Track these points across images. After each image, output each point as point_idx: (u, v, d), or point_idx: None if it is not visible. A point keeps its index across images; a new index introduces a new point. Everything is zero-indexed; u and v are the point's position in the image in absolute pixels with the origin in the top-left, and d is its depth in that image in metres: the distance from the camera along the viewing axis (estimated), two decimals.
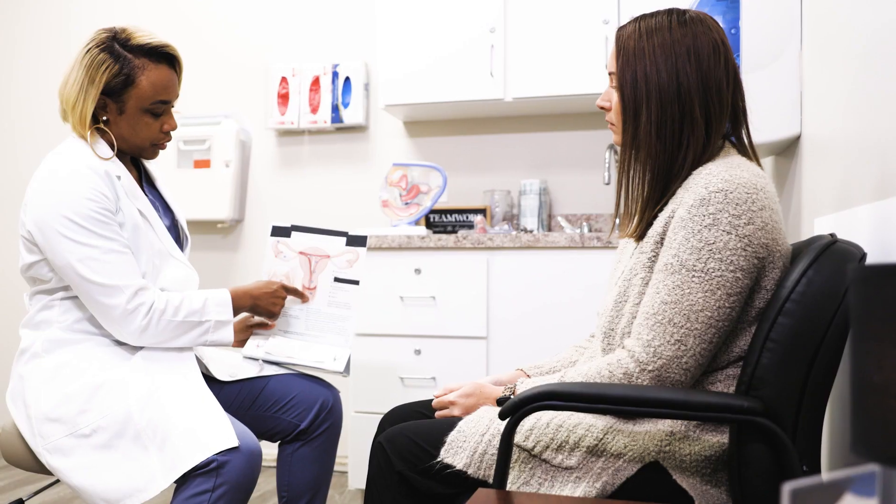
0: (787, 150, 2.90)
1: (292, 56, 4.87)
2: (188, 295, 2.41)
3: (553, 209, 4.42)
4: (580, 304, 3.57)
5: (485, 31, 4.05)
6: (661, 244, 1.87)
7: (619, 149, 2.03)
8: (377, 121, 4.72)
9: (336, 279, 2.73)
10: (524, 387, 2.00)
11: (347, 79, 4.66)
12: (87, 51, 2.35)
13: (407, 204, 4.05)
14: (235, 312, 2.51)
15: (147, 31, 2.40)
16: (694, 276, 1.76)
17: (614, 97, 2.00)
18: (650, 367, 1.78)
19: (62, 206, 2.25)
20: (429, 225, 4.38)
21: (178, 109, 2.52)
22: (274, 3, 4.91)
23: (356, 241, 2.74)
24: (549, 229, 4.37)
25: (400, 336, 3.81)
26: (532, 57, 4.00)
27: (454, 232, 4.32)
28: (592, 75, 3.90)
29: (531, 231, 4.20)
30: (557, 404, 1.72)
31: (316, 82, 4.71)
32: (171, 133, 2.49)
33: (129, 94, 2.35)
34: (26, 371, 2.33)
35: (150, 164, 2.65)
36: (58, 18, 5.16)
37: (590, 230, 4.24)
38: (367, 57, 4.69)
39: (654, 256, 1.88)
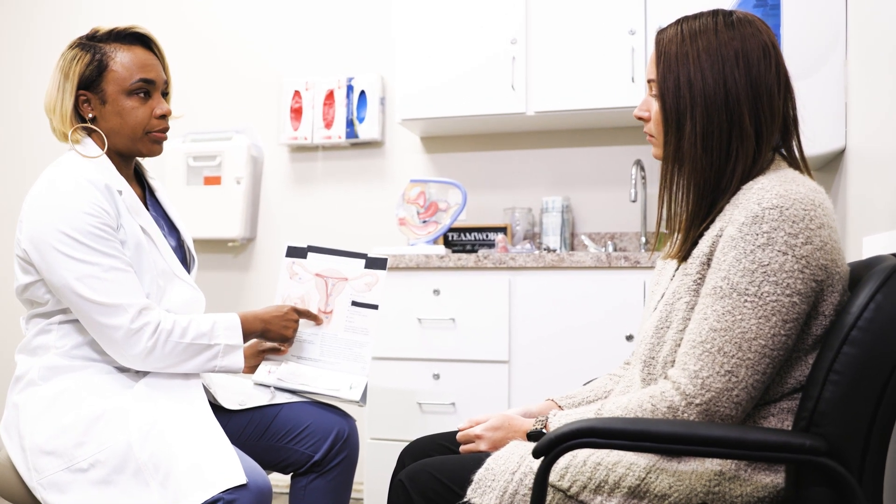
0: (830, 164, 2.75)
1: (306, 69, 4.74)
2: (196, 317, 2.27)
3: (576, 227, 4.28)
4: (607, 327, 3.43)
5: (506, 43, 3.92)
6: (708, 265, 1.72)
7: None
8: (393, 136, 4.60)
9: (354, 303, 2.60)
10: (557, 420, 1.85)
11: (363, 92, 4.54)
12: (61, 55, 2.30)
13: (425, 222, 3.91)
14: (245, 338, 2.37)
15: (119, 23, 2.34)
16: (746, 300, 1.62)
17: (654, 106, 1.86)
18: (698, 401, 1.63)
19: (59, 221, 2.12)
20: (447, 244, 4.23)
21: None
22: (287, 15, 4.79)
23: (376, 263, 2.61)
24: (572, 248, 4.23)
25: (418, 360, 3.67)
26: (555, 69, 3.87)
27: (474, 251, 4.18)
28: (618, 88, 3.77)
29: (554, 250, 4.05)
30: (598, 442, 1.56)
31: (330, 96, 4.59)
32: (168, 121, 2.36)
33: (106, 80, 2.26)
34: (21, 400, 2.20)
35: (156, 181, 2.51)
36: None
37: (615, 249, 4.09)
38: (382, 70, 4.57)
39: (699, 279, 1.74)
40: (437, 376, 3.63)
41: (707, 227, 1.77)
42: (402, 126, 4.32)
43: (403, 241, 4.28)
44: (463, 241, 4.24)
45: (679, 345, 1.73)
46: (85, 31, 2.33)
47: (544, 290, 3.54)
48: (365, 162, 4.65)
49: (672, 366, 1.74)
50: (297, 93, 4.65)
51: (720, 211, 1.76)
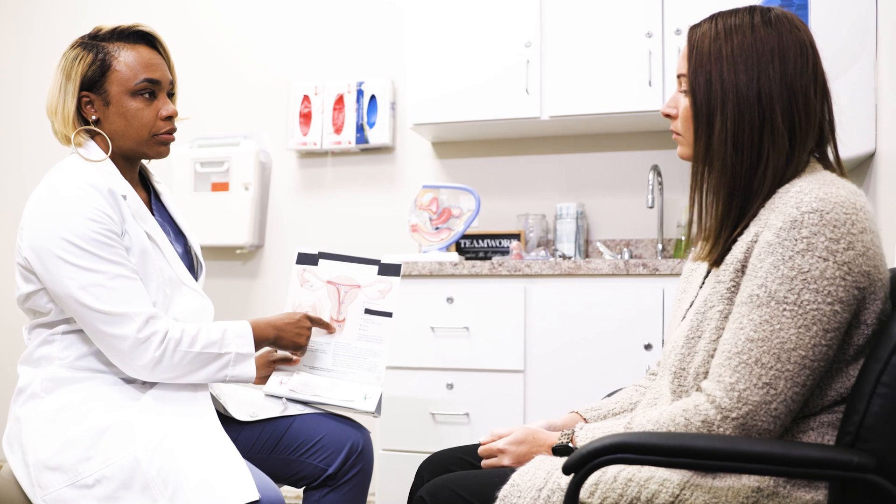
0: (859, 168, 2.68)
1: (315, 73, 4.67)
2: (205, 325, 2.19)
3: (590, 234, 4.21)
4: (625, 336, 3.35)
5: (520, 46, 3.84)
6: (742, 272, 1.65)
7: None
8: (404, 141, 4.52)
9: (367, 311, 2.52)
10: (584, 434, 1.78)
11: (373, 97, 4.47)
12: (63, 55, 2.23)
13: (437, 228, 3.84)
14: (257, 345, 2.29)
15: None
16: (785, 309, 1.54)
17: (682, 103, 1.80)
18: (734, 415, 1.56)
19: (61, 227, 2.04)
20: (459, 251, 4.17)
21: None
22: (296, 18, 4.72)
23: (389, 269, 2.53)
24: (587, 255, 4.15)
25: (431, 369, 3.59)
26: (570, 73, 3.80)
27: (487, 258, 4.11)
28: (634, 92, 3.70)
29: (570, 257, 3.97)
30: (632, 458, 1.49)
31: (340, 101, 4.52)
32: (175, 122, 2.28)
33: (110, 80, 2.18)
34: (24, 413, 2.12)
35: (162, 185, 2.44)
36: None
37: (631, 256, 4.01)
38: (393, 74, 4.50)
39: (733, 286, 1.66)
40: (450, 386, 3.55)
41: (741, 233, 1.69)
42: (414, 131, 4.24)
43: (415, 248, 4.24)
44: (475, 249, 4.17)
45: (712, 355, 1.67)
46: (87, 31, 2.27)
47: (560, 298, 3.46)
48: (375, 168, 4.58)
49: (704, 377, 1.67)
50: (306, 97, 4.58)
51: (754, 215, 1.69)
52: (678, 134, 1.84)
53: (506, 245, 4.12)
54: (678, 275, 3.28)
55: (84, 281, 2.02)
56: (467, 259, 4.03)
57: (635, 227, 4.16)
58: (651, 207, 3.80)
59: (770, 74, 1.67)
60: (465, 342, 3.54)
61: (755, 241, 1.63)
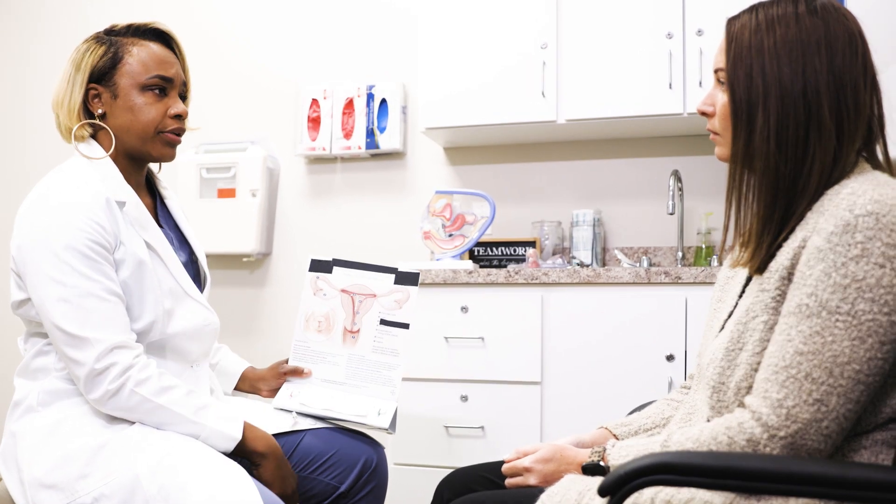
0: None
1: (324, 77, 4.58)
2: (186, 387, 2.01)
3: (607, 242, 4.10)
4: (646, 347, 3.24)
5: (536, 48, 3.75)
6: (789, 280, 1.53)
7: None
8: (415, 147, 4.43)
9: (382, 321, 2.41)
10: (617, 452, 1.66)
11: (384, 101, 4.36)
12: (74, 49, 2.14)
13: (451, 235, 3.73)
14: (247, 445, 2.06)
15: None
16: (838, 320, 1.42)
17: (720, 99, 1.69)
18: (782, 433, 1.44)
19: (46, 235, 1.93)
20: (472, 259, 4.06)
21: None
22: (304, 21, 4.63)
23: (407, 278, 2.42)
24: (604, 263, 4.05)
25: (445, 381, 3.48)
26: (588, 75, 3.70)
27: (501, 266, 4.00)
28: (655, 95, 3.59)
29: (588, 265, 3.86)
30: (673, 479, 1.36)
31: (349, 105, 4.42)
32: (184, 122, 2.17)
33: (120, 72, 2.09)
34: (19, 428, 2.00)
35: (168, 191, 2.33)
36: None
37: (650, 264, 3.90)
38: (404, 77, 4.41)
39: (779, 295, 1.54)
40: (464, 398, 3.45)
41: (786, 238, 1.58)
42: (425, 135, 4.15)
43: (426, 256, 4.13)
44: (490, 256, 4.06)
45: (755, 369, 1.55)
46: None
47: (579, 307, 3.35)
48: (386, 174, 4.48)
49: (747, 392, 1.55)
50: (314, 101, 4.49)
51: (800, 218, 1.57)
52: (715, 133, 1.73)
53: (520, 253, 4.01)
54: (702, 283, 3.18)
55: (56, 294, 1.90)
56: (482, 267, 3.92)
57: (653, 234, 4.06)
58: (672, 214, 3.69)
59: (816, 67, 1.56)
60: (480, 353, 3.44)
61: (803, 247, 1.52)
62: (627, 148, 4.09)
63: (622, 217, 4.11)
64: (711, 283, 3.16)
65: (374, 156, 4.48)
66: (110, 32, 2.14)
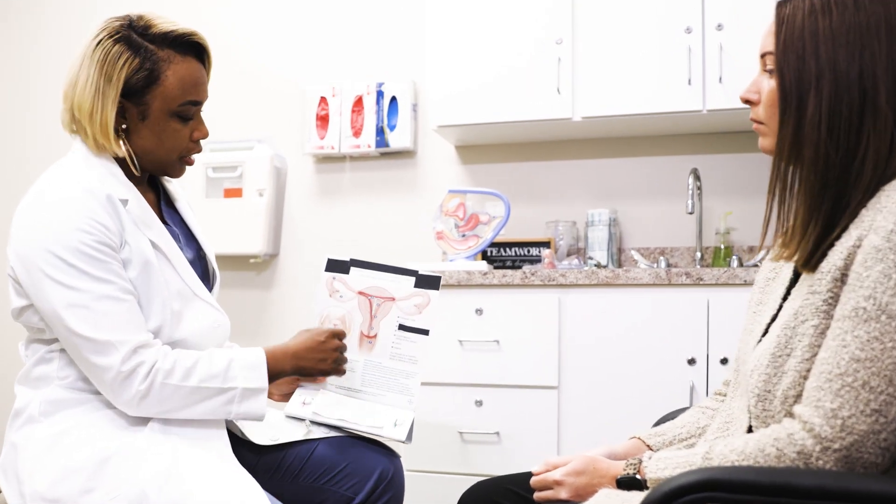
0: None
1: (332, 74, 4.48)
2: (209, 354, 1.97)
3: (623, 242, 4.00)
4: (667, 350, 3.15)
5: (550, 43, 3.65)
6: (842, 282, 1.43)
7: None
8: (426, 145, 4.34)
9: (401, 327, 2.31)
10: (655, 465, 1.56)
11: (394, 99, 4.28)
12: (99, 42, 1.94)
13: (464, 235, 3.64)
14: (272, 378, 2.06)
15: (168, 18, 2.00)
16: None
17: (765, 86, 1.59)
18: (836, 445, 1.34)
19: (47, 238, 1.84)
20: (486, 260, 3.96)
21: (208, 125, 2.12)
22: (312, 17, 4.54)
23: (427, 282, 2.32)
24: (620, 264, 3.95)
25: (459, 385, 3.39)
26: (604, 71, 3.60)
27: (515, 267, 3.90)
28: (674, 91, 3.50)
29: (605, 266, 3.77)
30: (723, 497, 1.27)
31: (359, 103, 4.33)
32: (202, 143, 2.09)
33: (154, 94, 1.95)
34: (20, 439, 1.91)
35: (172, 184, 2.24)
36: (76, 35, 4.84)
37: (668, 265, 3.81)
38: (415, 74, 4.32)
39: (831, 298, 1.44)
40: (479, 403, 3.36)
41: (838, 236, 1.48)
42: (437, 133, 4.06)
43: (438, 257, 4.04)
44: (503, 257, 3.97)
45: (804, 376, 1.45)
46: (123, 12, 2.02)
47: (597, 309, 3.26)
48: (396, 173, 4.40)
49: (795, 401, 1.45)
50: (323, 99, 4.40)
51: (854, 215, 1.47)
52: (759, 122, 1.63)
53: (535, 253, 3.92)
54: (724, 284, 3.09)
55: (67, 300, 1.82)
56: (496, 268, 3.82)
57: (671, 234, 3.96)
58: (692, 213, 3.60)
59: (875, 51, 1.46)
60: (496, 356, 3.35)
61: (858, 246, 1.42)
62: (644, 146, 4.01)
63: (638, 217, 4.02)
64: (734, 285, 3.07)
65: (383, 154, 4.40)
66: (145, 34, 1.96)
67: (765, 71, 1.59)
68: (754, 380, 1.54)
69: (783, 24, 1.53)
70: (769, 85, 1.58)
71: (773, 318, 1.61)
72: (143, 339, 1.87)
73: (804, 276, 1.55)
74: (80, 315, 1.81)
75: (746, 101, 1.64)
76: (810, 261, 1.51)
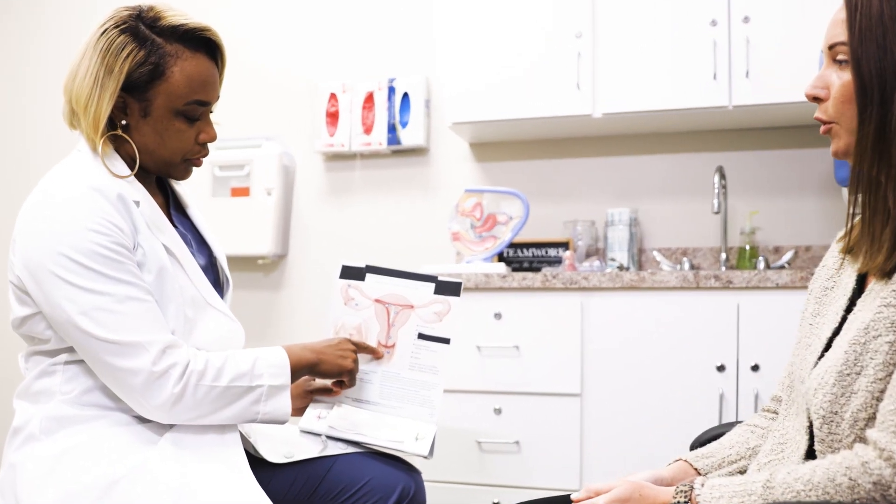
0: None
1: (343, 70, 4.38)
2: (232, 354, 1.87)
3: (644, 242, 3.88)
4: (694, 356, 3.03)
5: (570, 37, 3.53)
6: None
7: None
8: (439, 142, 4.22)
9: (421, 335, 2.19)
10: (709, 493, 1.43)
11: (406, 95, 4.16)
12: (104, 32, 1.82)
13: (481, 236, 3.52)
14: (295, 374, 1.96)
15: (181, 11, 1.87)
16: None
17: (835, 80, 1.44)
18: None
19: (58, 240, 1.71)
20: (502, 261, 3.84)
21: (217, 120, 1.99)
22: (322, 12, 4.43)
23: (447, 288, 2.19)
24: (640, 265, 3.83)
25: (477, 392, 3.28)
26: (626, 66, 3.49)
27: (533, 269, 3.78)
28: (698, 86, 3.39)
29: (627, 268, 3.64)
30: None
31: (369, 99, 4.22)
32: (209, 146, 1.97)
33: (157, 90, 1.82)
34: (19, 458, 1.78)
35: (181, 186, 2.11)
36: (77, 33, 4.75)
37: (691, 266, 3.68)
38: (427, 70, 4.21)
39: None
40: (498, 411, 3.25)
41: None
42: (451, 130, 3.95)
43: (452, 258, 3.93)
44: (520, 258, 3.85)
45: (877, 397, 1.32)
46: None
47: (621, 313, 3.15)
48: (408, 171, 4.28)
49: (866, 424, 1.32)
50: (333, 96, 4.29)
51: None
52: (828, 122, 1.48)
53: (553, 254, 3.80)
54: (755, 288, 2.96)
55: (87, 304, 1.70)
56: (513, 270, 3.70)
57: (693, 234, 3.84)
58: (717, 213, 3.48)
59: None
60: (515, 362, 3.24)
61: None
62: (667, 143, 3.89)
63: (660, 216, 3.90)
64: (765, 288, 2.96)
65: (395, 152, 4.29)
66: (153, 26, 1.85)
67: (833, 62, 1.45)
68: (818, 400, 1.41)
69: (856, 10, 1.39)
70: (840, 78, 1.43)
71: (836, 332, 1.48)
72: (172, 340, 1.77)
73: (872, 287, 1.42)
74: (101, 319, 1.70)
75: (814, 98, 1.50)
76: (890, 275, 1.38)
